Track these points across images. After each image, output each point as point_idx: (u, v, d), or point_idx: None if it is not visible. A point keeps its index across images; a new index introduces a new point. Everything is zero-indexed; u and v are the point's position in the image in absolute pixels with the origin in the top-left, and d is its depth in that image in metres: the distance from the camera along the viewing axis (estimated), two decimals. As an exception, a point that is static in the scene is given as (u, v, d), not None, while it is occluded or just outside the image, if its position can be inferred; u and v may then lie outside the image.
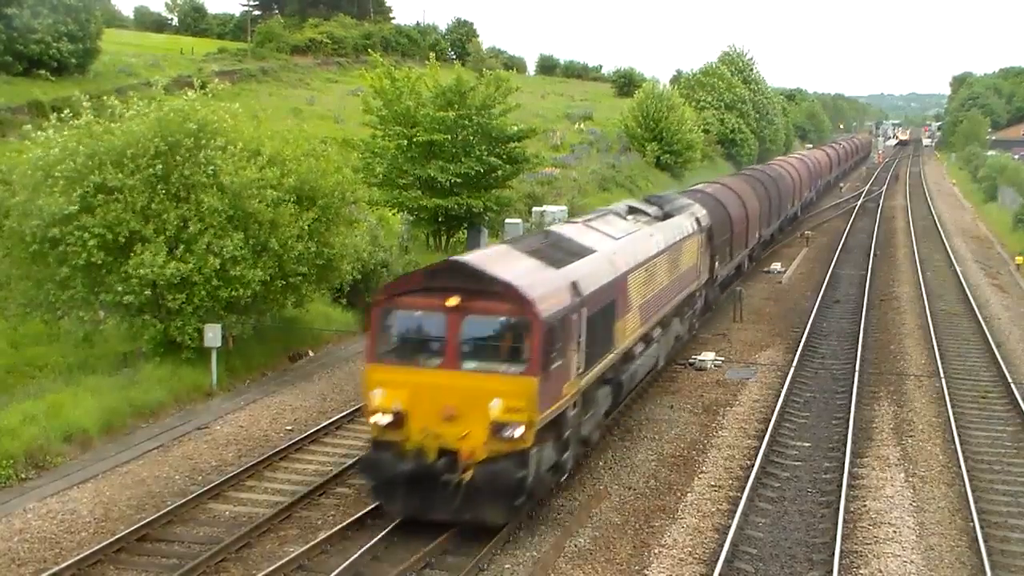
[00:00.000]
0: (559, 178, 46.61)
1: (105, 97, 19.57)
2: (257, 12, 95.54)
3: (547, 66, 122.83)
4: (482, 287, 12.57)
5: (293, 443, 16.37)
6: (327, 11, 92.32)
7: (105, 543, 12.37)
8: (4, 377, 18.86)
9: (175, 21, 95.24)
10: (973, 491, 15.10)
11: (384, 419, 12.58)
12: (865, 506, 14.72)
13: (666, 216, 21.58)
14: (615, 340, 15.88)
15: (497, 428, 12.18)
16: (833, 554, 12.77)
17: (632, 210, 20.71)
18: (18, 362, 19.75)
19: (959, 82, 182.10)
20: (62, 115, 18.58)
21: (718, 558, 12.57)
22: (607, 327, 15.39)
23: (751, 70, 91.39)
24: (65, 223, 17.06)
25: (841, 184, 79.43)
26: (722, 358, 23.06)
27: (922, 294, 31.82)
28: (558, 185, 44.54)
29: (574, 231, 17.10)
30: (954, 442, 17.37)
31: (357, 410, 17.20)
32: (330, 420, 17.58)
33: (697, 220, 23.46)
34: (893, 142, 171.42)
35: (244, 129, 19.86)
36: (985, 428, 18.64)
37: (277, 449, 16.05)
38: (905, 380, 21.69)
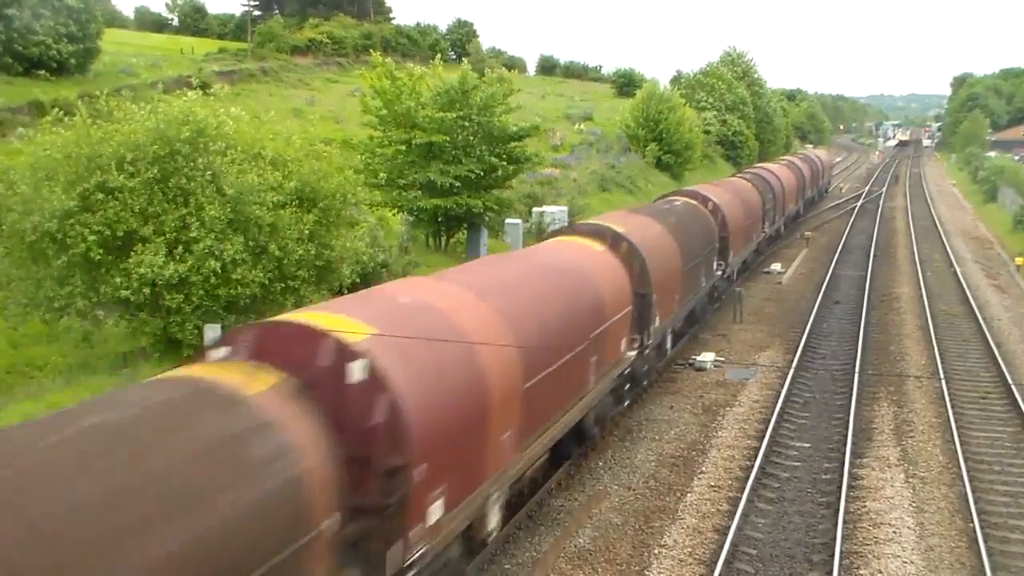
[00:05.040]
0: (559, 178, 46.61)
1: (97, 94, 19.49)
2: (257, 12, 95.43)
3: (547, 66, 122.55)
4: None
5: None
6: (327, 11, 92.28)
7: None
8: (4, 377, 18.83)
9: (175, 21, 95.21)
10: (973, 492, 15.12)
11: None
12: (865, 507, 14.73)
13: None
14: None
15: None
16: (833, 555, 12.78)
17: None
18: (18, 362, 19.72)
19: (959, 83, 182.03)
20: (53, 114, 18.54)
21: (718, 559, 12.58)
22: None
23: (752, 72, 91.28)
24: (65, 219, 17.07)
25: (841, 185, 79.37)
26: (722, 358, 23.08)
27: (922, 295, 31.81)
28: (558, 185, 44.54)
29: None
30: (954, 443, 17.38)
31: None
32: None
33: None
34: (893, 143, 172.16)
35: (245, 131, 19.79)
36: (985, 429, 18.64)
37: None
38: (905, 381, 21.69)
